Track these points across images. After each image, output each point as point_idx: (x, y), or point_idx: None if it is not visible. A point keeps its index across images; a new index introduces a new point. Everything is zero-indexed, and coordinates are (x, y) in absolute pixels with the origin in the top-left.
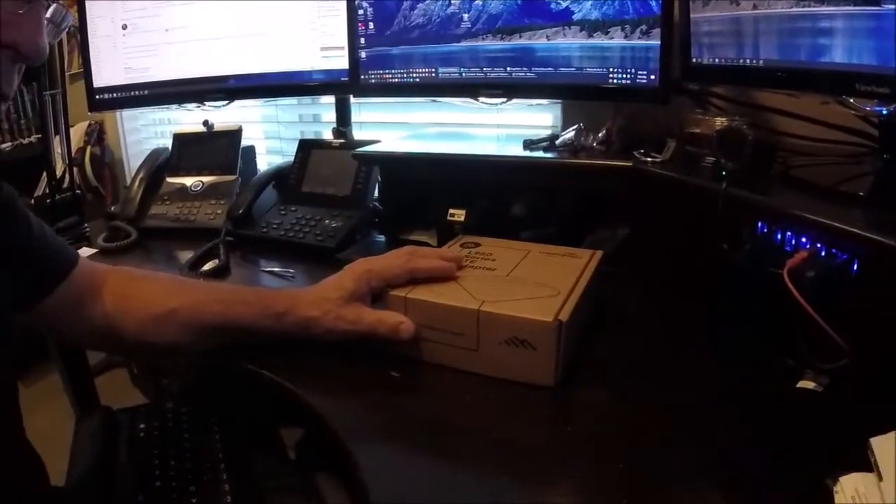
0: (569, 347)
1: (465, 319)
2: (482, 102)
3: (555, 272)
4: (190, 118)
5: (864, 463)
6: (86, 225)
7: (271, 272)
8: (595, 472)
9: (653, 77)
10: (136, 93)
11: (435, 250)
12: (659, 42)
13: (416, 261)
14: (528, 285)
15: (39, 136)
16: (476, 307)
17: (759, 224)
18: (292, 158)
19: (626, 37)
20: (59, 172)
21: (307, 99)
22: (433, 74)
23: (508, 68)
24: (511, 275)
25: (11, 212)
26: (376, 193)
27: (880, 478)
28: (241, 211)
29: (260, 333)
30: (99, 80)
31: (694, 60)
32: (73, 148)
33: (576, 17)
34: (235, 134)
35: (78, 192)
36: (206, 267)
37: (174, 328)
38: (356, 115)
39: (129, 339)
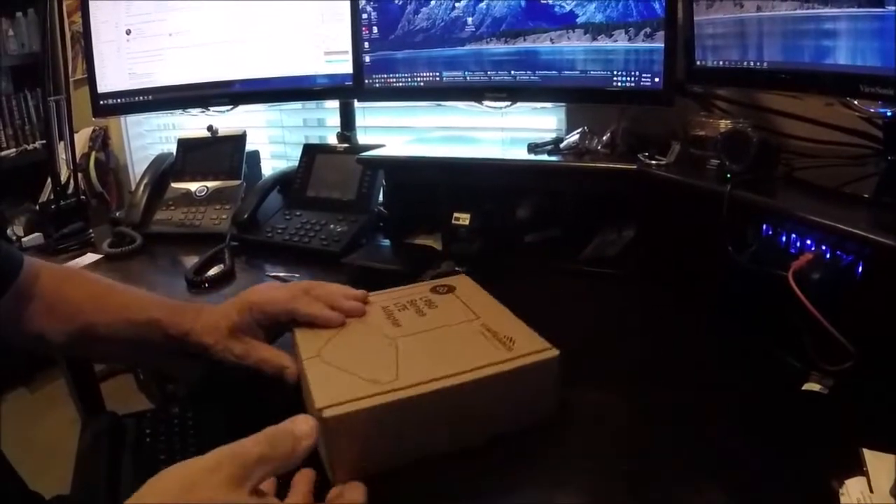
0: (368, 450)
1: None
2: (486, 106)
3: (447, 355)
4: (194, 123)
5: None
6: (90, 230)
7: (276, 277)
8: (600, 473)
9: (657, 80)
10: (141, 98)
11: (336, 292)
12: (663, 45)
13: (299, 303)
14: (379, 358)
15: (44, 141)
16: (305, 364)
17: (764, 226)
18: (297, 163)
19: (629, 40)
20: (63, 178)
21: (311, 103)
22: (437, 78)
23: (513, 72)
24: (397, 339)
25: None
26: (381, 197)
27: (871, 489)
28: (245, 216)
29: (169, 351)
30: (103, 85)
31: (698, 63)
32: (78, 153)
33: (580, 20)
34: (240, 139)
35: (82, 197)
36: (211, 272)
37: (95, 343)
38: (360, 120)
39: (59, 349)
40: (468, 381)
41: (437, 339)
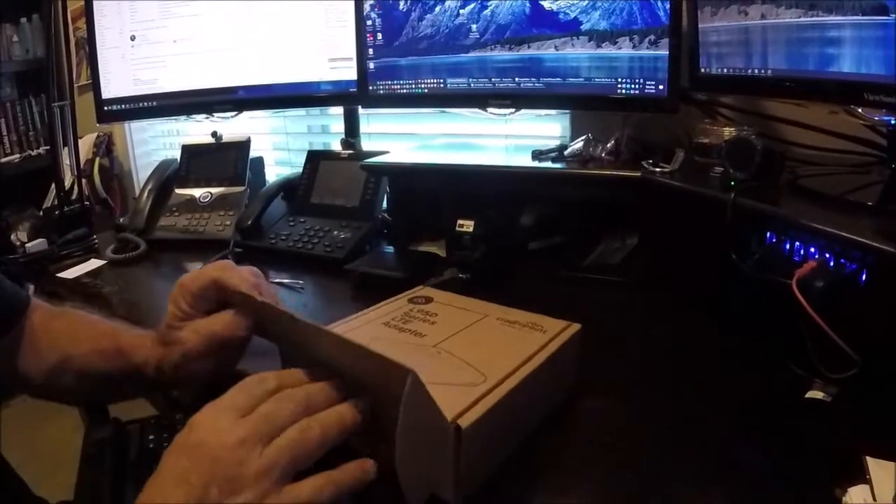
0: (485, 457)
1: None
2: (491, 113)
3: (498, 349)
4: (198, 129)
5: None
6: (94, 237)
7: (280, 283)
8: (603, 479)
9: (661, 87)
10: (145, 104)
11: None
12: (667, 52)
13: (226, 273)
14: (448, 365)
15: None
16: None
17: (768, 234)
18: (301, 169)
19: (634, 47)
20: (67, 184)
21: (315, 110)
22: (441, 85)
23: (517, 79)
24: (438, 346)
25: None
26: (385, 204)
27: (874, 497)
28: (249, 222)
29: (137, 386)
30: (107, 91)
31: (702, 70)
32: (82, 159)
33: (584, 27)
34: (244, 145)
35: (87, 203)
36: None
37: (68, 377)
38: (365, 126)
39: (37, 390)
40: (540, 363)
41: (475, 339)
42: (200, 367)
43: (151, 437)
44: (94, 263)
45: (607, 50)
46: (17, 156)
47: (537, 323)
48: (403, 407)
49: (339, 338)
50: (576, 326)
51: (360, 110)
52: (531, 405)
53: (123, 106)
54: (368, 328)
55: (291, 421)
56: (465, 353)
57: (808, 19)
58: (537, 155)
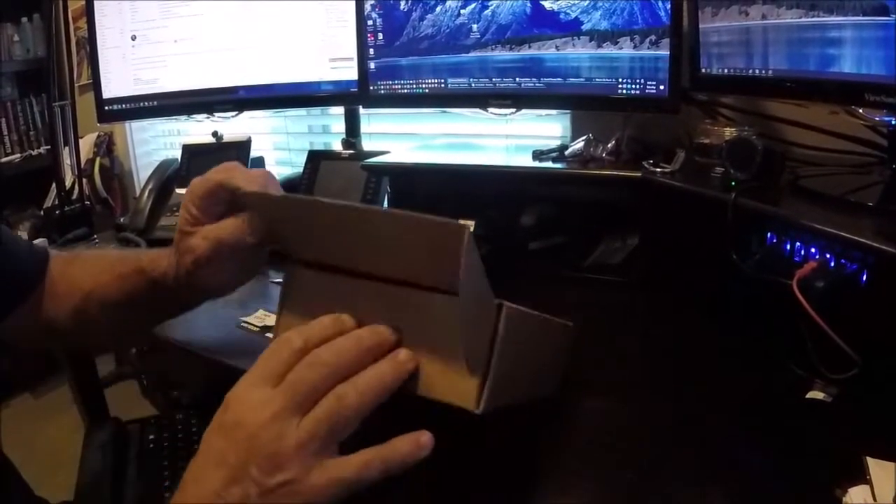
0: (513, 370)
1: None
2: (491, 113)
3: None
4: (199, 129)
5: None
6: (95, 236)
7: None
8: (603, 479)
9: (662, 87)
10: (146, 104)
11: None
12: (668, 52)
13: (234, 172)
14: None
15: (49, 147)
16: None
17: (769, 234)
18: (301, 169)
19: (635, 47)
20: (68, 184)
21: (316, 110)
22: (442, 85)
23: (518, 79)
24: None
25: None
26: (386, 204)
27: (874, 497)
28: None
29: (161, 304)
30: (108, 91)
31: (703, 70)
32: (83, 159)
33: (585, 27)
34: (245, 145)
35: (87, 203)
36: None
37: (94, 314)
38: (365, 126)
39: (66, 336)
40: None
41: None
42: (212, 275)
43: (151, 436)
44: None
45: (608, 50)
46: (18, 155)
47: None
48: (463, 260)
49: (376, 211)
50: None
51: (361, 110)
52: (536, 363)
53: (124, 106)
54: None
55: (325, 387)
56: None
57: (809, 20)
58: (538, 155)
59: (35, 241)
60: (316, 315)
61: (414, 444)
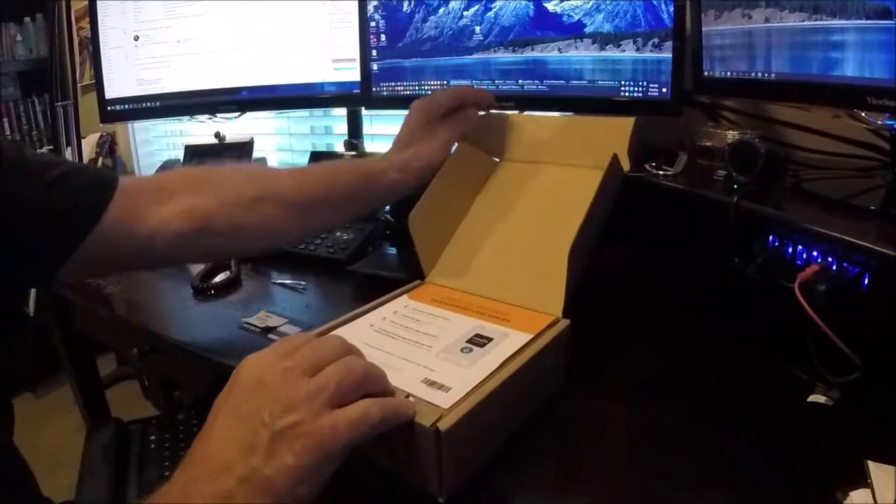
0: (470, 454)
1: None
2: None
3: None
4: (202, 130)
5: None
6: None
7: (282, 284)
8: (604, 482)
9: (664, 90)
10: (148, 104)
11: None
12: (671, 55)
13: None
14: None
15: (51, 147)
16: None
17: (771, 237)
18: None
19: (637, 50)
20: None
21: (319, 111)
22: (445, 86)
23: (520, 81)
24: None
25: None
26: (387, 206)
27: (875, 501)
28: None
29: (362, 199)
30: (111, 91)
31: (706, 73)
32: (85, 159)
33: (588, 29)
34: (247, 146)
35: None
36: (217, 279)
37: (271, 207)
38: (368, 128)
39: (221, 229)
40: (525, 362)
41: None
42: (438, 160)
43: (153, 437)
44: None
45: (611, 52)
46: None
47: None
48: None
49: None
50: (564, 322)
51: (364, 112)
52: (517, 402)
53: (127, 106)
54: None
55: (333, 358)
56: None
57: (812, 23)
58: None
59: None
60: None
61: (403, 402)
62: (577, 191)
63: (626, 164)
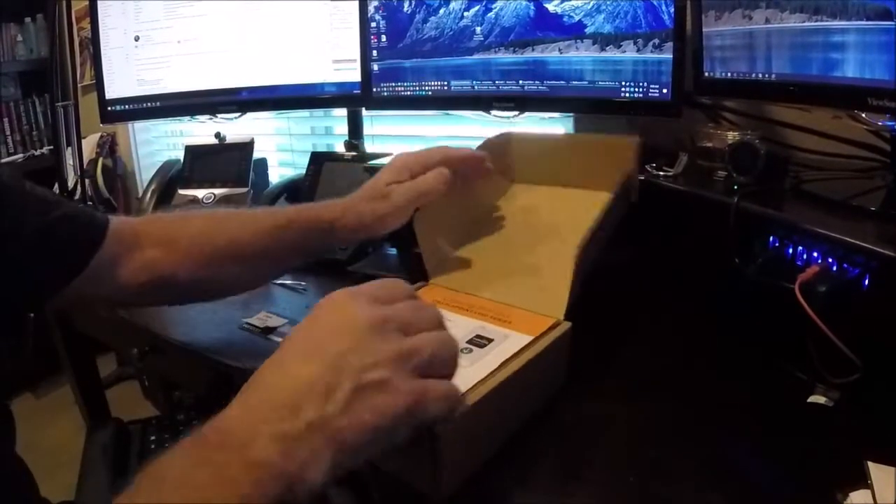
0: (467, 456)
1: None
2: (494, 116)
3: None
4: (202, 130)
5: None
6: None
7: (283, 285)
8: (604, 484)
9: (665, 91)
10: (149, 104)
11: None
12: (671, 56)
13: (449, 150)
14: None
15: (51, 147)
16: None
17: (771, 238)
18: (304, 171)
19: (638, 50)
20: (70, 184)
21: (319, 112)
22: (445, 87)
23: (521, 81)
24: None
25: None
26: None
27: (875, 502)
28: None
29: (308, 251)
30: (111, 91)
31: (706, 74)
32: (85, 160)
33: (588, 30)
34: (247, 146)
35: (90, 203)
36: None
37: (227, 263)
38: (368, 128)
39: (183, 284)
40: (523, 365)
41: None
42: (394, 222)
43: (153, 437)
44: None
45: (611, 53)
46: (21, 156)
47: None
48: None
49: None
50: (566, 325)
51: (364, 112)
52: (516, 403)
53: (127, 106)
54: None
55: (430, 326)
56: None
57: (813, 24)
58: None
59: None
60: None
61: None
62: (585, 209)
63: (634, 194)
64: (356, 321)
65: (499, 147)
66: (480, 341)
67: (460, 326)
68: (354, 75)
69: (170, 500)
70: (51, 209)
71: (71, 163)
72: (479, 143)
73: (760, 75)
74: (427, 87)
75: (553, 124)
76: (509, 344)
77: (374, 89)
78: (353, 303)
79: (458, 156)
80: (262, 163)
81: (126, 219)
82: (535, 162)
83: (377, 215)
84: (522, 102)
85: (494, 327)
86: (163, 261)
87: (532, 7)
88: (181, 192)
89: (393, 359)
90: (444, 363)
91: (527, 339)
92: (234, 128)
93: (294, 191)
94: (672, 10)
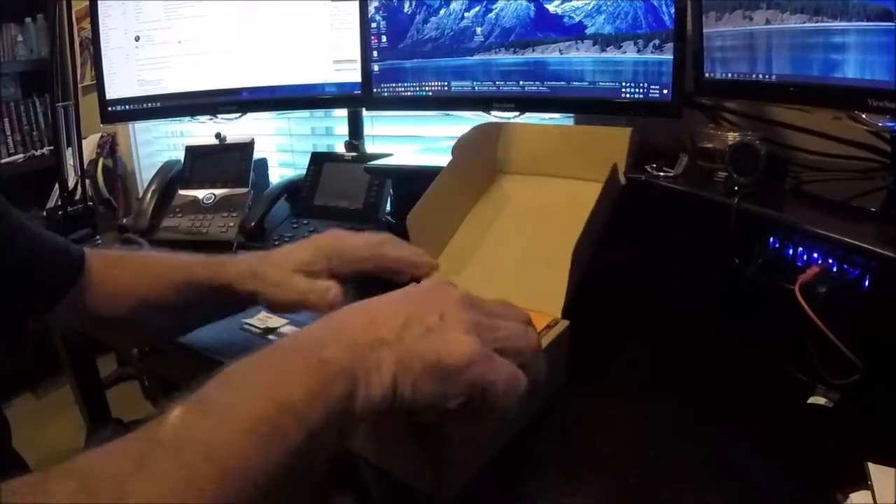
0: (472, 456)
1: None
2: (495, 116)
3: None
4: (202, 131)
5: None
6: (98, 237)
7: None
8: (604, 485)
9: (665, 91)
10: (149, 105)
11: (409, 246)
12: (672, 56)
13: (387, 247)
14: None
15: (52, 147)
16: None
17: (772, 239)
18: (304, 171)
19: (638, 51)
20: (71, 184)
21: (320, 112)
22: (446, 88)
23: (521, 82)
24: None
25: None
26: (389, 207)
27: (875, 503)
28: (253, 224)
29: (217, 306)
30: (112, 91)
31: (707, 75)
32: (86, 160)
33: (588, 31)
34: (248, 146)
35: (90, 204)
36: None
37: (146, 315)
38: (369, 129)
39: (115, 331)
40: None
41: None
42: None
43: None
44: None
45: (612, 54)
46: (21, 156)
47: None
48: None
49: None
50: (564, 323)
51: (364, 113)
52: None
53: (127, 106)
54: None
55: (516, 320)
56: None
57: (813, 24)
58: None
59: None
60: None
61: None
62: (578, 200)
63: (622, 177)
64: (448, 298)
65: (489, 136)
66: None
67: None
68: (355, 76)
69: (232, 399)
70: (39, 242)
71: (71, 163)
72: (470, 129)
73: (761, 76)
74: (427, 88)
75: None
76: None
77: (375, 90)
78: (448, 287)
79: (392, 264)
80: (263, 163)
81: (87, 255)
82: (528, 153)
83: (265, 297)
84: (523, 103)
85: None
86: (93, 302)
87: (532, 8)
88: (181, 192)
89: (474, 321)
90: (518, 351)
91: None
92: (235, 128)
93: (294, 191)
94: (672, 10)
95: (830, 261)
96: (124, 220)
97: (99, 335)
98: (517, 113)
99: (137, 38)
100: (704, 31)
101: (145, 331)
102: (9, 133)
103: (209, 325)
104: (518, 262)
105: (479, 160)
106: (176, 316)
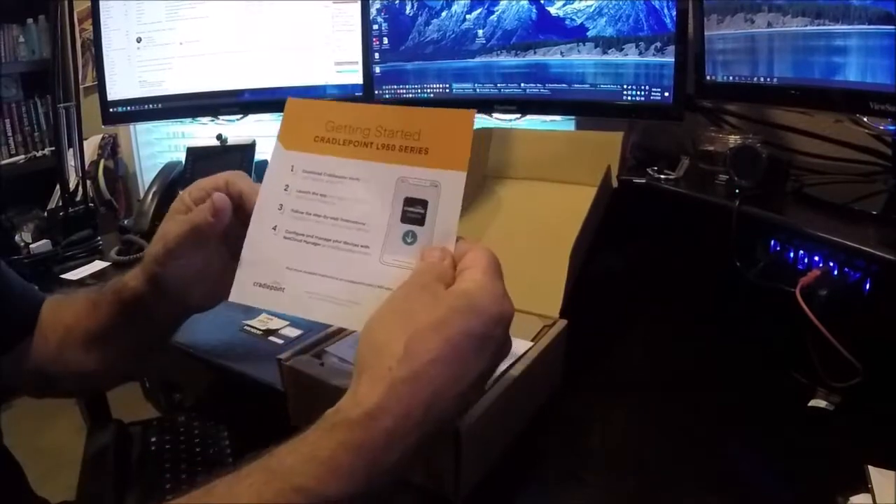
0: (483, 454)
1: None
2: (496, 118)
3: None
4: (204, 132)
5: None
6: (99, 238)
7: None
8: (605, 487)
9: (667, 94)
10: (151, 106)
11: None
12: (673, 59)
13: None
14: None
15: (53, 148)
16: None
17: (773, 242)
18: None
19: (640, 54)
20: (72, 185)
21: None
22: (447, 90)
23: (522, 84)
24: None
25: None
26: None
27: None
28: None
29: (147, 319)
30: (113, 93)
31: (708, 78)
32: (87, 161)
33: (590, 33)
34: (249, 148)
35: (91, 205)
36: None
37: (76, 348)
38: None
39: (53, 380)
40: (529, 363)
41: None
42: (186, 262)
43: (153, 438)
44: (99, 265)
45: (613, 56)
46: (22, 157)
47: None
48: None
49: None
50: (562, 323)
51: None
52: (522, 401)
53: (129, 108)
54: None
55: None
56: None
57: (815, 28)
58: None
59: (33, 246)
60: None
61: None
62: (571, 203)
63: (614, 181)
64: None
65: (480, 142)
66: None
67: (380, 185)
68: (357, 77)
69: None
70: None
71: (72, 164)
72: None
73: (762, 79)
74: (429, 90)
75: (554, 127)
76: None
77: (377, 91)
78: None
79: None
80: (264, 165)
81: (49, 302)
82: (519, 158)
83: (154, 260)
84: (524, 105)
85: None
86: (35, 350)
87: (534, 10)
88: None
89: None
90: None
91: (527, 345)
92: (236, 129)
93: None
94: (674, 13)
95: (831, 264)
96: (125, 222)
97: (43, 392)
98: (519, 115)
99: (139, 40)
100: (706, 33)
101: (75, 376)
102: (10, 134)
103: (209, 325)
104: (515, 264)
105: (469, 165)
106: (101, 345)
